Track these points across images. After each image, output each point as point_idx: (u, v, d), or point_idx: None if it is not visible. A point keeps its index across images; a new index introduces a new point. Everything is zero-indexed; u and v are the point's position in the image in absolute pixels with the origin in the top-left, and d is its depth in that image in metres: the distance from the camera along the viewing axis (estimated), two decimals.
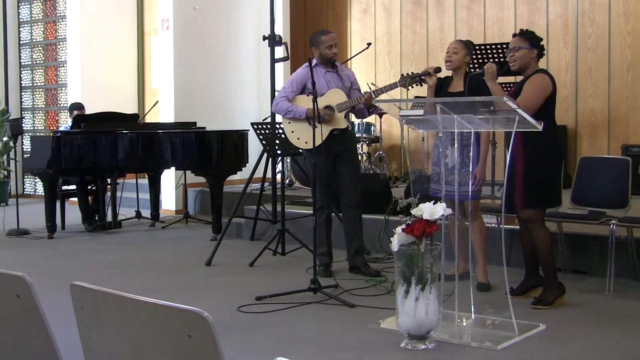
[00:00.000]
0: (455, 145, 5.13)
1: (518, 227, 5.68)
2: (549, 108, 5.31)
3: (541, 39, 5.48)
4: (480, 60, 7.70)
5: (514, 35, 5.53)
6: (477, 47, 7.57)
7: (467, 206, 5.68)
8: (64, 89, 12.67)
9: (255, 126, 8.12)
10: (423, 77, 6.24)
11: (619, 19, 9.56)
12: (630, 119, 9.50)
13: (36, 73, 13.32)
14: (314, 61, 6.43)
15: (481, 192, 6.03)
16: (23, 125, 12.32)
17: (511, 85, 7.60)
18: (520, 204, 5.33)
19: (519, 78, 7.89)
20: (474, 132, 5.52)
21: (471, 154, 5.48)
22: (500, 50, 7.83)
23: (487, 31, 10.43)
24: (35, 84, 13.34)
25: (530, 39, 5.40)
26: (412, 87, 6.44)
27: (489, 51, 7.84)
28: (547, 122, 5.18)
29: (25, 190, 13.36)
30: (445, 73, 6.11)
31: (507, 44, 8.10)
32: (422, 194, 6.50)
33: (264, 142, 7.96)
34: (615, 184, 6.01)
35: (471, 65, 6.27)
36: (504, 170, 5.50)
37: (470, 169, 5.57)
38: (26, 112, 13.43)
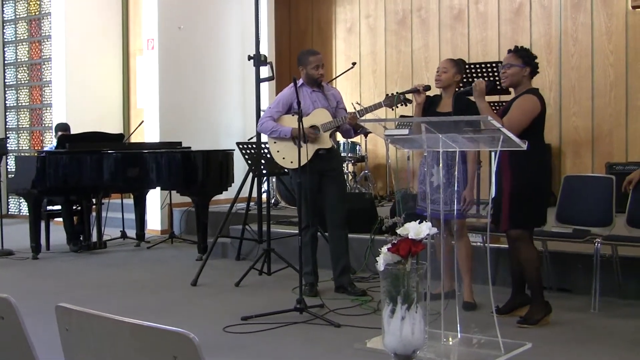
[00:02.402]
0: (441, 165, 5.14)
1: (504, 245, 5.69)
2: (537, 127, 5.30)
3: (535, 57, 5.45)
4: (471, 79, 7.75)
5: (509, 50, 5.48)
6: (465, 66, 7.62)
7: (453, 225, 5.71)
8: (49, 109, 12.65)
9: (240, 146, 8.12)
10: (409, 97, 6.25)
11: (601, 38, 9.65)
12: (614, 137, 9.57)
13: (21, 93, 13.29)
14: (300, 81, 6.44)
15: (467, 212, 6.01)
16: (7, 145, 12.29)
17: (502, 103, 7.64)
18: (506, 224, 5.33)
19: (504, 97, 8.00)
20: (460, 151, 5.55)
21: (456, 173, 5.48)
22: (488, 69, 7.89)
23: (471, 50, 10.50)
24: (20, 104, 13.30)
25: (524, 57, 5.36)
26: (397, 106, 6.45)
27: (477, 70, 7.89)
28: (534, 141, 5.20)
29: (10, 210, 13.30)
30: (434, 92, 6.09)
31: (494, 62, 8.22)
32: (408, 212, 6.50)
33: (249, 161, 7.96)
34: (599, 202, 6.04)
35: (461, 85, 6.24)
36: (489, 189, 5.50)
37: (456, 189, 5.56)
38: (11, 132, 13.38)
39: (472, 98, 5.51)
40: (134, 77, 12.40)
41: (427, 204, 5.21)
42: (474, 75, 7.83)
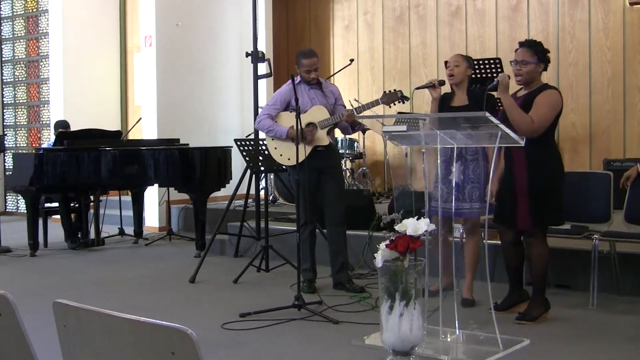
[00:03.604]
0: (460, 162, 5.13)
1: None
2: (554, 124, 5.29)
3: (548, 51, 5.35)
4: (478, 76, 7.75)
5: (522, 44, 5.36)
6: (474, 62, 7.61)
7: (468, 222, 5.73)
8: (46, 106, 12.63)
9: (238, 143, 8.12)
10: (406, 95, 6.25)
11: (599, 34, 9.65)
12: (612, 133, 9.57)
13: (18, 90, 13.27)
14: (298, 78, 6.43)
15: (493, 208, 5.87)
16: (5, 142, 12.27)
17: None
18: (527, 221, 5.25)
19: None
20: (482, 148, 5.55)
21: (480, 170, 5.50)
22: (486, 65, 7.88)
23: (469, 47, 10.49)
24: (17, 101, 13.28)
25: (538, 52, 5.26)
26: (395, 104, 6.44)
27: (477, 66, 7.89)
28: (551, 137, 5.23)
29: (8, 207, 13.29)
30: (444, 89, 6.05)
31: (491, 59, 8.22)
32: (406, 209, 6.49)
33: (247, 158, 7.96)
34: (597, 199, 6.03)
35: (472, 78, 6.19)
36: (489, 185, 5.47)
37: (454, 186, 5.52)
38: (8, 130, 13.37)
39: (495, 94, 5.43)
40: (132, 74, 12.39)
41: (452, 203, 5.19)
42: (476, 72, 7.82)
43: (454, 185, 5.34)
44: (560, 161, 5.42)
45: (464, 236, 6.03)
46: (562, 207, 5.35)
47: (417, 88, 6.17)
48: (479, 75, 7.99)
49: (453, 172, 5.33)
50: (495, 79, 5.21)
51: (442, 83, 5.93)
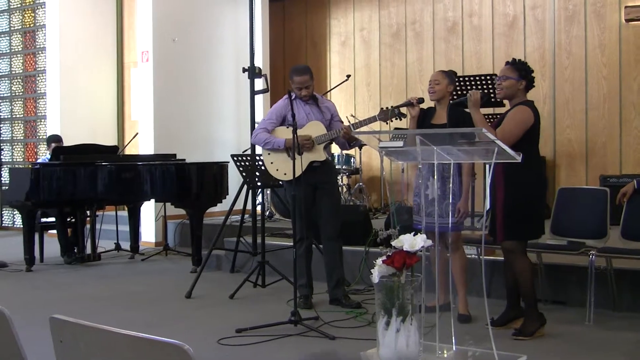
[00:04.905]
0: (436, 177, 5.14)
1: (499, 258, 5.68)
2: (530, 139, 5.29)
3: (532, 70, 5.43)
4: (465, 92, 7.75)
5: (507, 62, 5.47)
6: (460, 78, 7.61)
7: (447, 238, 5.70)
8: (43, 120, 12.64)
9: (235, 158, 8.12)
10: (403, 111, 6.26)
11: (595, 51, 9.69)
12: (608, 149, 9.60)
13: (15, 105, 13.27)
14: (294, 94, 6.44)
15: (463, 224, 5.99)
16: (2, 157, 12.26)
17: (496, 116, 7.64)
18: (501, 235, 5.33)
19: (499, 109, 8.00)
20: (456, 163, 5.55)
21: (451, 185, 5.49)
22: (482, 81, 7.90)
23: (465, 63, 10.53)
24: (14, 116, 13.28)
25: (520, 70, 5.35)
26: (392, 120, 6.45)
27: (472, 82, 7.90)
28: (528, 153, 5.19)
29: (4, 222, 13.26)
30: (428, 104, 6.07)
31: (488, 75, 8.24)
32: (403, 224, 6.49)
33: (243, 173, 7.96)
34: (594, 215, 6.04)
35: (454, 94, 6.23)
36: (483, 201, 5.50)
37: (451, 201, 5.55)
38: (5, 144, 13.36)
39: (467, 109, 5.50)
40: (129, 89, 12.40)
41: (422, 217, 5.22)
42: (469, 87, 7.84)
43: (423, 201, 5.38)
44: (537, 176, 5.42)
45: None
46: (538, 221, 5.37)
47: (396, 107, 6.21)
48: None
49: (429, 188, 5.37)
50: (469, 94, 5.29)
51: (421, 101, 5.94)
